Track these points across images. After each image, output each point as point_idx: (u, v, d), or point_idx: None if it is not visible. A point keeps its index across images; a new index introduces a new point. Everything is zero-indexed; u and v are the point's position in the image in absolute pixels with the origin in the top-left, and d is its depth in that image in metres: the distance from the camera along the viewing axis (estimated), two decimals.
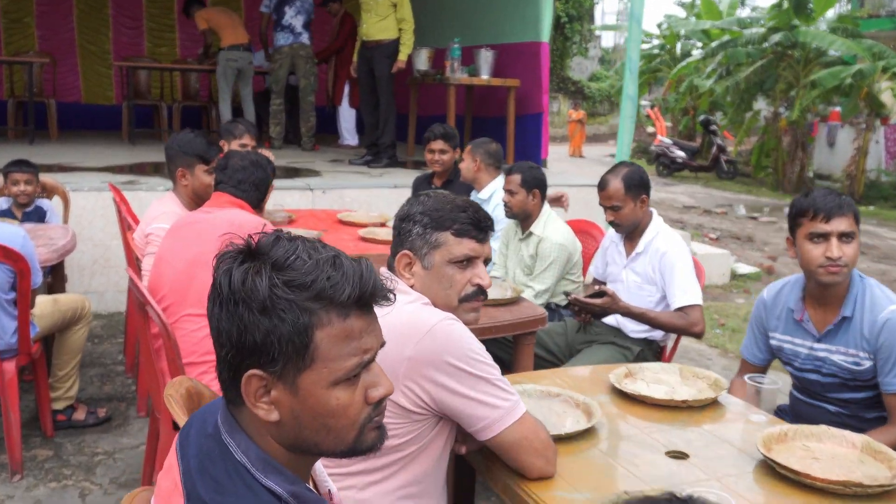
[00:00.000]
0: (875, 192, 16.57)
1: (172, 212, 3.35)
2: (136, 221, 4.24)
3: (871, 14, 20.48)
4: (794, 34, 16.03)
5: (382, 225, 4.80)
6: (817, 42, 15.76)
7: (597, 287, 3.45)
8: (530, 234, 4.01)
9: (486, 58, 8.18)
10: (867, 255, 9.98)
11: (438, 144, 4.94)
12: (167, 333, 2.55)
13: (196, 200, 3.47)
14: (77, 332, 3.79)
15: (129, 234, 3.56)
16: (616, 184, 3.41)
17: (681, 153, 19.22)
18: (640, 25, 6.64)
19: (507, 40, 8.44)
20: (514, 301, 3.35)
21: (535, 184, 3.97)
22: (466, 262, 1.93)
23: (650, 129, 27.98)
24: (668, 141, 19.70)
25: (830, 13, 17.49)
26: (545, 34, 8.06)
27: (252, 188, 2.95)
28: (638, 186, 3.41)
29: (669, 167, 19.42)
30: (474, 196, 4.70)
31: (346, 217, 4.93)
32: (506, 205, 4.02)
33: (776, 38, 16.02)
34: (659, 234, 3.46)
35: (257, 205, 3.01)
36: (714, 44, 18.05)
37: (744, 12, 21.17)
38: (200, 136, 3.48)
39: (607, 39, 37.89)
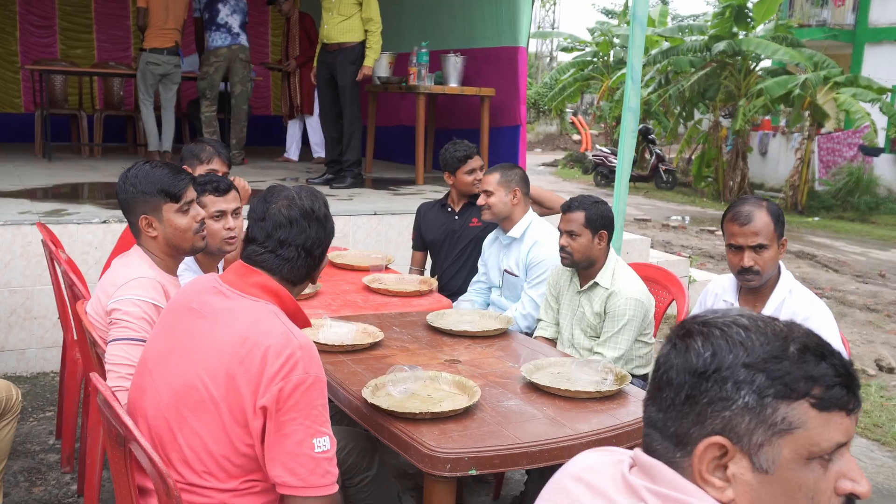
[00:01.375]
0: (816, 202, 16.47)
1: (145, 278, 2.40)
2: (74, 268, 3.26)
3: (802, 24, 20.56)
4: (737, 42, 15.78)
5: (387, 268, 3.92)
6: (760, 51, 15.55)
7: None
8: (595, 285, 3.21)
9: (454, 64, 7.34)
10: (844, 274, 9.57)
11: (478, 161, 4.18)
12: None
13: (172, 254, 2.53)
14: (1, 430, 2.79)
15: (79, 305, 2.57)
16: (764, 217, 2.63)
17: None
18: (643, 29, 5.89)
19: (479, 45, 7.64)
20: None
21: (603, 223, 3.18)
22: (831, 454, 1.06)
23: (576, 137, 27.76)
24: (606, 150, 19.25)
25: (768, 23, 17.32)
26: (523, 38, 7.28)
27: (300, 256, 1.98)
28: (781, 223, 2.65)
29: (608, 177, 18.97)
30: (500, 238, 3.87)
31: (341, 259, 4.02)
32: (563, 250, 3.22)
33: (720, 46, 15.72)
34: (793, 292, 2.69)
35: (304, 280, 2.05)
36: (654, 51, 17.68)
37: (674, 22, 21.02)
38: (160, 167, 2.52)
39: (530, 46, 37.57)
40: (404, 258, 5.39)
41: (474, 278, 4.06)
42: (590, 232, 3.17)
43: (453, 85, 7.33)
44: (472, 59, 7.44)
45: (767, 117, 19.45)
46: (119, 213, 4.65)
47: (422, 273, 4.43)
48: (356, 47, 6.48)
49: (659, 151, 18.89)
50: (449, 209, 4.30)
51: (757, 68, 16.87)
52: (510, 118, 7.40)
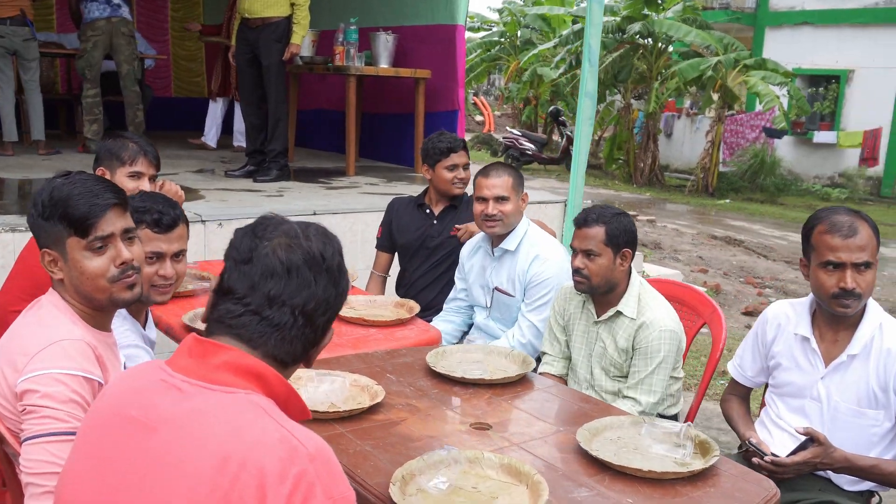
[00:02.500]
0: (725, 184, 16.58)
1: (69, 340, 1.71)
2: None
3: (705, 6, 20.68)
4: (650, 24, 15.62)
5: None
6: (673, 32, 15.43)
7: (800, 430, 2.17)
8: (617, 314, 2.69)
9: (385, 43, 6.71)
10: (775, 260, 9.45)
11: (462, 157, 3.59)
12: None
13: (87, 302, 1.84)
14: None
15: None
16: (868, 230, 2.18)
17: (530, 145, 18.45)
18: (601, 7, 5.43)
19: (412, 22, 7.01)
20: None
21: (627, 239, 2.67)
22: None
23: (479, 118, 27.37)
24: (516, 132, 18.88)
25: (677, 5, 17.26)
26: (461, 15, 6.70)
27: (296, 322, 1.34)
28: (878, 239, 2.19)
29: (519, 160, 18.62)
30: (485, 248, 3.31)
31: None
32: (578, 273, 2.68)
33: (635, 27, 15.52)
34: (883, 326, 2.23)
35: (297, 360, 1.39)
36: (565, 32, 17.38)
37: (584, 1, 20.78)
38: (80, 182, 1.82)
39: None
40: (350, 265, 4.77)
41: (451, 295, 3.49)
42: (611, 251, 2.64)
43: (384, 66, 6.69)
44: (403, 37, 6.82)
45: (671, 99, 19.51)
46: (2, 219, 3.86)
47: (384, 280, 3.84)
48: (282, 23, 5.75)
49: (569, 133, 18.65)
50: (427, 210, 3.71)
51: (668, 50, 16.81)
52: (447, 102, 6.83)
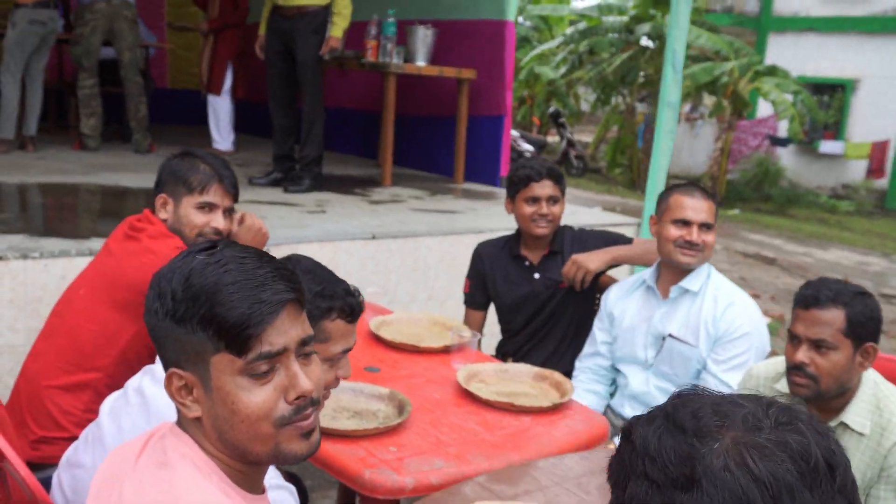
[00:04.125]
0: (733, 193, 16.11)
1: None
2: None
3: (708, 9, 20.20)
4: (658, 25, 15.06)
5: (461, 346, 2.59)
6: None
7: None
8: (842, 427, 2.01)
9: (424, 38, 6.00)
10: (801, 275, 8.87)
11: (546, 188, 2.86)
12: None
13: (239, 455, 1.12)
14: None
15: None
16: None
17: (528, 147, 17.85)
18: (688, 8, 4.81)
19: (454, 16, 6.32)
20: None
21: (873, 330, 1.97)
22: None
23: None
24: (514, 133, 18.25)
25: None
26: (511, 10, 6.03)
27: None
28: None
29: (515, 161, 18.02)
30: (651, 287, 2.66)
31: (389, 331, 2.68)
32: (800, 372, 1.97)
33: (645, 28, 14.96)
34: None
35: None
36: (570, 30, 16.78)
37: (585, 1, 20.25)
38: (205, 263, 1.14)
39: None
40: (407, 296, 4.11)
41: (586, 350, 2.82)
42: (851, 344, 1.94)
43: (421, 63, 6.00)
44: (443, 32, 6.12)
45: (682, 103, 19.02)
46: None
47: (479, 342, 3.17)
48: (320, 13, 5.04)
49: (570, 136, 18.08)
50: (526, 263, 3.03)
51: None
52: (493, 106, 6.16)
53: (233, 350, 1.08)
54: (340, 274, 4.03)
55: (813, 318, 1.96)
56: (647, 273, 2.72)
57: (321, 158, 5.29)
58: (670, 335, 2.58)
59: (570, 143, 17.96)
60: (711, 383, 2.47)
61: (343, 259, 3.93)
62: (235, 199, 2.32)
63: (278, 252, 2.99)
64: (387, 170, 5.75)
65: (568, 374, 2.79)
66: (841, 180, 17.50)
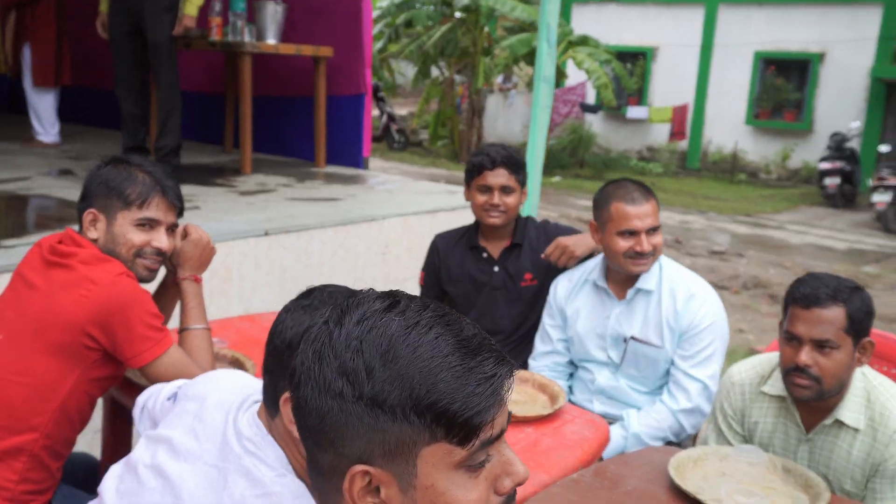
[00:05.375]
0: (552, 160, 16.62)
1: None
2: None
3: None
4: None
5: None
6: (499, 7, 15.09)
7: None
8: (838, 426, 2.01)
9: (273, 14, 5.63)
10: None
11: (500, 177, 2.70)
12: None
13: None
14: None
15: None
16: None
17: None
18: None
19: None
20: None
21: (868, 325, 1.97)
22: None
23: None
24: None
25: None
26: None
27: None
28: None
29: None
30: (604, 287, 2.56)
31: None
32: (804, 374, 1.92)
33: (462, 1, 15.02)
34: None
35: None
36: (384, 3, 16.56)
37: None
38: (405, 330, 0.90)
39: None
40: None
41: (541, 348, 2.69)
42: (851, 342, 1.92)
43: (271, 41, 5.61)
44: (294, 8, 5.77)
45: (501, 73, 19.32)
46: None
47: None
48: None
49: (390, 110, 17.96)
50: (484, 254, 2.87)
51: (493, 24, 16.50)
52: (353, 85, 5.90)
53: (454, 440, 0.85)
54: (235, 278, 3.71)
55: (815, 318, 1.91)
56: (594, 271, 2.60)
57: (180, 148, 4.82)
58: (633, 338, 2.50)
59: (391, 118, 17.84)
60: (682, 380, 2.42)
61: (237, 261, 3.59)
62: (180, 213, 1.99)
63: None
64: (247, 157, 5.35)
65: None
66: (646, 143, 18.54)
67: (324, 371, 0.86)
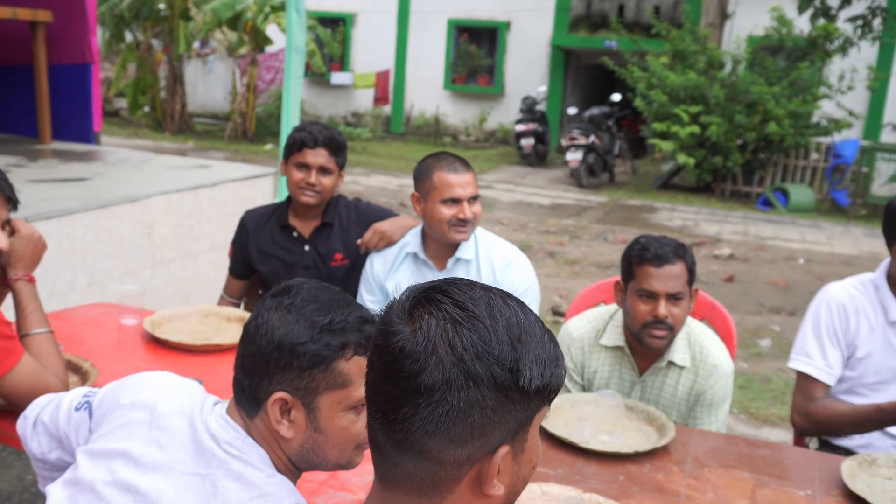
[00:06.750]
0: (262, 129, 16.37)
1: None
2: None
3: None
4: None
5: None
6: None
7: None
8: (669, 367, 2.31)
9: None
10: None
11: (320, 157, 2.70)
12: None
13: None
14: None
15: None
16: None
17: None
18: None
19: None
20: None
21: (695, 274, 2.30)
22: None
23: None
24: None
25: None
26: None
27: None
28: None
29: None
30: (423, 260, 2.67)
31: (176, 336, 2.33)
32: (662, 325, 2.18)
33: None
34: None
35: None
36: None
37: None
38: None
39: None
40: (67, 286, 3.57)
41: None
42: (688, 291, 2.23)
43: None
44: None
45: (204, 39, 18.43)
46: None
47: (238, 307, 2.92)
48: None
49: None
50: (294, 234, 2.84)
51: None
52: (77, 53, 5.42)
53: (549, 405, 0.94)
54: (67, 256, 3.32)
55: (667, 274, 2.17)
56: (412, 244, 2.69)
57: None
58: None
59: None
60: None
61: (67, 241, 3.21)
62: (15, 205, 1.79)
63: None
64: None
65: None
66: (351, 109, 18.87)
67: (475, 366, 0.85)
